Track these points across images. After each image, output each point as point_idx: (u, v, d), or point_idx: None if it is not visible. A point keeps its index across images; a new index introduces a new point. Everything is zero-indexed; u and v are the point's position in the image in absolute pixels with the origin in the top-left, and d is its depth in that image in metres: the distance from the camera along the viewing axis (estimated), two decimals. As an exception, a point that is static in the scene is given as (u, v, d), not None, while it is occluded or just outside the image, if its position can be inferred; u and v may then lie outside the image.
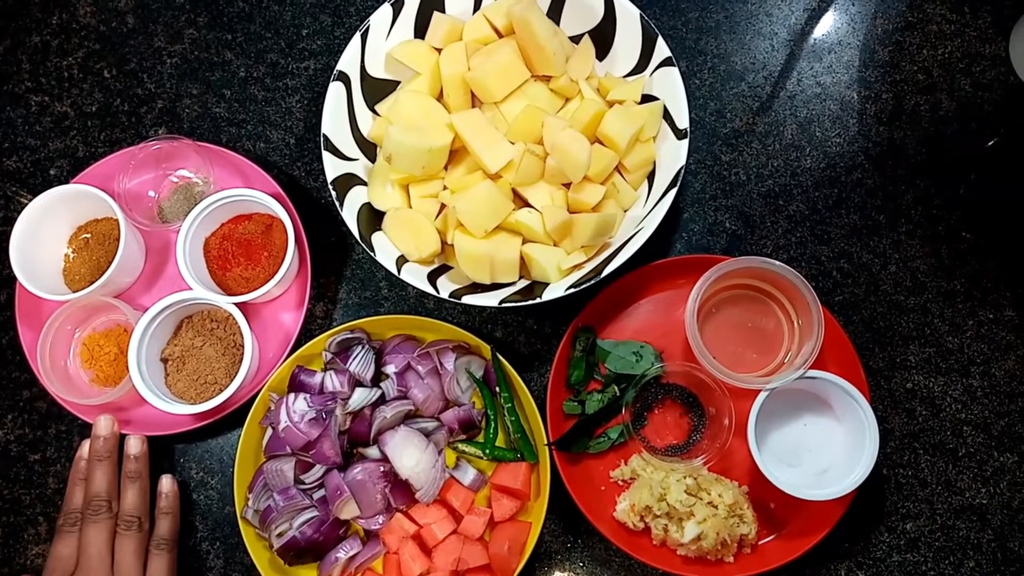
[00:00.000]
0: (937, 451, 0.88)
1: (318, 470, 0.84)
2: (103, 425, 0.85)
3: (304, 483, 0.84)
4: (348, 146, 0.86)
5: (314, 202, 0.96)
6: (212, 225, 0.92)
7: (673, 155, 0.82)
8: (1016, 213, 0.93)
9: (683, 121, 0.82)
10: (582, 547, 0.87)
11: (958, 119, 0.95)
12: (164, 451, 0.91)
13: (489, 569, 0.83)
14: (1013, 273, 0.91)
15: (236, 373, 0.86)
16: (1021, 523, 0.86)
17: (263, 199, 0.88)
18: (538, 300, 0.79)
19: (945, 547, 0.86)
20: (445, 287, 0.81)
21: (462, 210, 0.79)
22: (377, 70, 0.89)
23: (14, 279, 0.89)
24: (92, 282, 0.87)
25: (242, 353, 0.88)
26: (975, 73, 0.96)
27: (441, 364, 0.87)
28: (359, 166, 0.87)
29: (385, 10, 0.87)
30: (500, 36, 0.87)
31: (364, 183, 0.87)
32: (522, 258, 0.82)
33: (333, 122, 0.85)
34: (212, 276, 0.91)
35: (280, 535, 0.82)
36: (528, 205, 0.83)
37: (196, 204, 0.89)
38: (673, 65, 0.83)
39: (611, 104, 0.85)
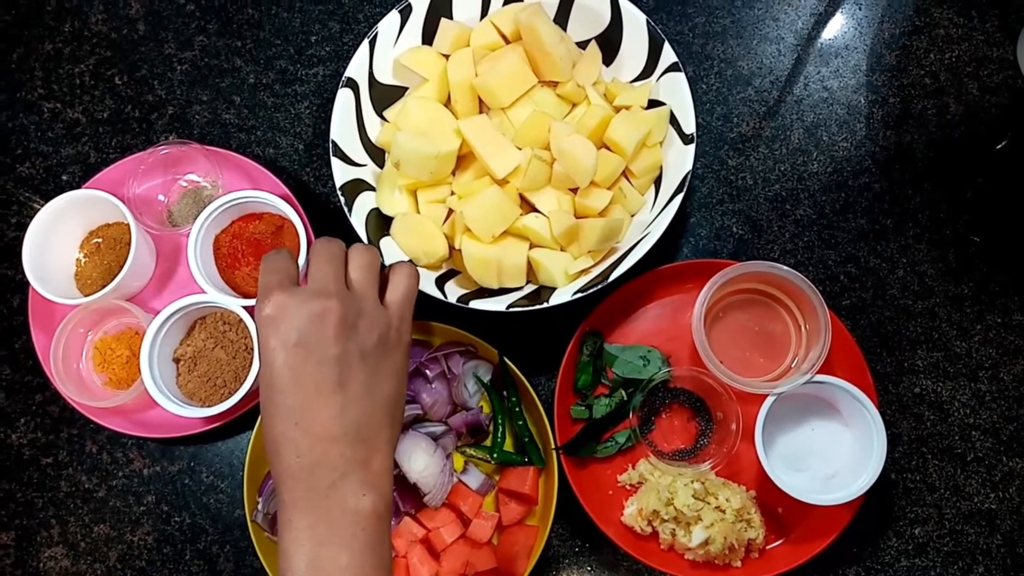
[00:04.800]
0: (945, 456, 0.88)
1: (327, 474, 0.84)
2: None
3: (313, 487, 0.84)
4: (357, 152, 0.87)
5: (323, 207, 0.97)
6: (223, 224, 0.93)
7: (680, 160, 0.83)
8: (1024, 217, 0.93)
9: (690, 126, 0.82)
10: (590, 551, 0.87)
11: (965, 123, 0.95)
12: (176, 454, 0.92)
13: (497, 573, 0.83)
14: (1021, 277, 0.91)
15: (245, 377, 0.86)
16: (1030, 528, 0.86)
17: (273, 200, 0.89)
18: (545, 305, 0.79)
19: (954, 552, 0.86)
20: (453, 292, 0.82)
21: (470, 215, 0.79)
22: (385, 76, 0.89)
23: (27, 284, 0.89)
24: (104, 286, 0.88)
25: (252, 357, 0.88)
26: (982, 77, 0.96)
27: (449, 368, 0.87)
28: (367, 172, 0.87)
29: (393, 17, 0.87)
30: (507, 42, 0.87)
31: (372, 188, 0.87)
32: (529, 263, 0.83)
33: (342, 128, 0.85)
34: (221, 275, 0.92)
35: (289, 538, 0.82)
36: (535, 210, 0.83)
37: (205, 208, 0.89)
38: (680, 70, 0.84)
39: (618, 109, 0.85)
